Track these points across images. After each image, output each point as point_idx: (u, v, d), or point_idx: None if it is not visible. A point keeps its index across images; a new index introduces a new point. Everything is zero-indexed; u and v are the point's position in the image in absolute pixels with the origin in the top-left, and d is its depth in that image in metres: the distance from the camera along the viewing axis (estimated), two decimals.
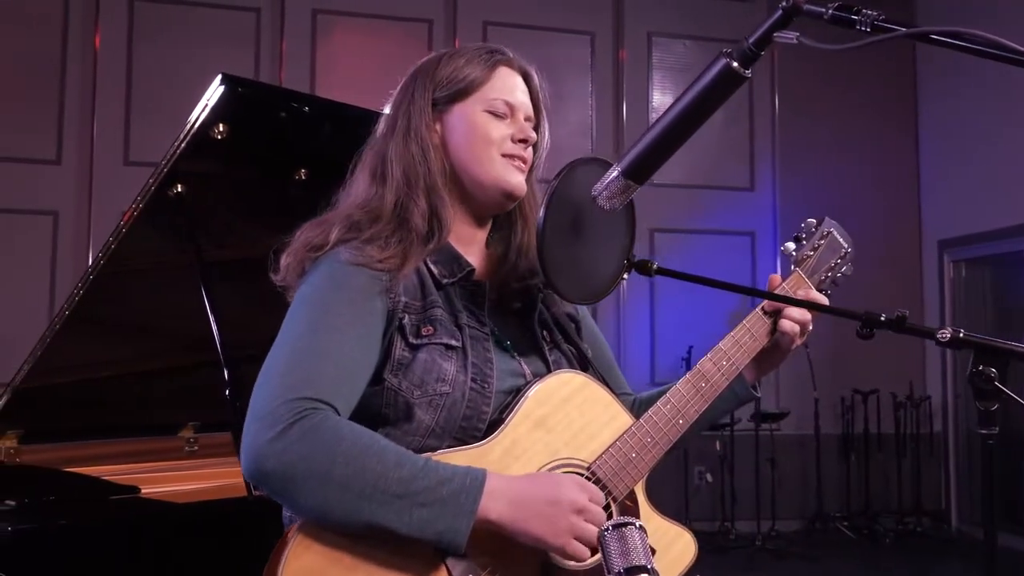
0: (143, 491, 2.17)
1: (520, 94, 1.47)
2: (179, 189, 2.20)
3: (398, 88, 1.49)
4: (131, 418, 2.77)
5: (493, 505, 1.20)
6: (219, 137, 2.09)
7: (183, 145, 2.08)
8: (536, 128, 1.49)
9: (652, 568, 1.12)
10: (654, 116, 7.01)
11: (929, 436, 6.96)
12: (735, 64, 1.07)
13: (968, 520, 6.85)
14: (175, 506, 1.93)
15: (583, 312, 1.60)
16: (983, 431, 1.15)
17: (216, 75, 2.04)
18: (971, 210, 6.84)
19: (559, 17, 6.81)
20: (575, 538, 1.23)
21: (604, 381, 1.45)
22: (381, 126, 1.48)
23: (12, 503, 1.84)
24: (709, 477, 6.71)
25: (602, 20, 6.97)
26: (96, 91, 6.05)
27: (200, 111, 2.04)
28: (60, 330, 2.38)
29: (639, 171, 1.17)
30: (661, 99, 6.97)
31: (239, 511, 1.97)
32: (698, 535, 5.70)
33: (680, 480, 6.54)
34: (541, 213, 1.31)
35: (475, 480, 1.20)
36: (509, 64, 1.47)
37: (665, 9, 6.97)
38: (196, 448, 2.91)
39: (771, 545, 6.11)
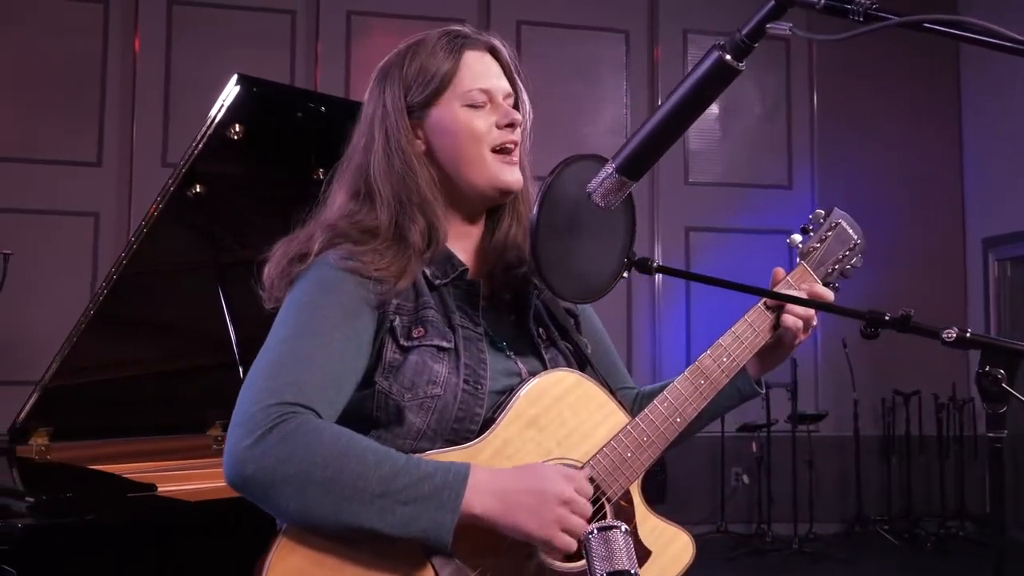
0: (167, 488, 2.20)
1: (494, 78, 1.42)
2: (198, 189, 2.22)
3: (367, 93, 1.44)
4: (158, 416, 2.80)
5: (477, 499, 1.18)
6: (235, 137, 2.11)
7: (200, 146, 2.10)
8: (516, 103, 1.45)
9: (636, 573, 1.10)
10: None
11: (973, 439, 6.80)
12: (728, 57, 1.05)
13: (1014, 524, 6.69)
14: (187, 504, 1.94)
15: (583, 308, 1.57)
16: (991, 434, 1.12)
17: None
18: (1017, 206, 6.67)
19: (594, 15, 6.77)
20: (562, 530, 1.21)
21: (601, 378, 1.42)
22: (357, 138, 1.43)
23: (31, 499, 1.86)
24: (745, 479, 6.62)
25: (637, 18, 6.92)
26: (135, 94, 6.14)
27: (216, 111, 2.06)
28: (86, 329, 2.41)
29: (633, 168, 1.15)
30: None
31: (254, 509, 1.98)
32: (734, 537, 5.66)
33: (716, 482, 6.47)
34: (534, 211, 1.28)
35: (458, 475, 1.19)
36: (475, 46, 1.42)
37: (700, 6, 6.90)
38: (223, 446, 2.93)
39: (808, 548, 6.02)
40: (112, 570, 1.73)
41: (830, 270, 1.55)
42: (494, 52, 1.45)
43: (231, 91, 2.04)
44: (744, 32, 1.04)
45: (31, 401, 2.55)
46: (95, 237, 6.06)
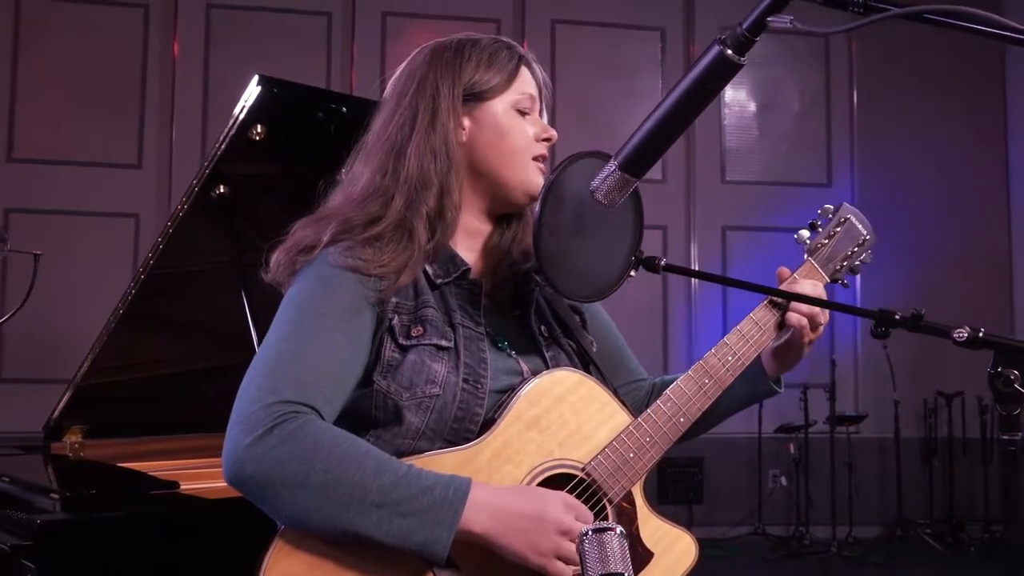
0: (190, 486, 2.22)
1: (535, 88, 1.46)
2: (222, 190, 2.24)
3: (407, 74, 1.43)
4: (186, 415, 2.83)
5: (475, 517, 1.17)
6: (257, 138, 2.12)
7: (223, 146, 2.12)
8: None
9: None
10: (727, 113, 6.92)
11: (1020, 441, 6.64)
12: (729, 51, 1.03)
13: None
14: (208, 502, 1.95)
15: (589, 304, 1.56)
16: (1005, 436, 1.09)
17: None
18: None
19: (628, 13, 6.73)
20: (557, 558, 1.20)
21: (604, 377, 1.41)
22: (390, 114, 1.41)
23: (56, 496, 1.89)
24: (784, 481, 6.54)
25: (672, 15, 6.87)
26: (174, 97, 6.23)
27: (238, 112, 2.08)
28: (115, 329, 2.45)
29: (636, 165, 1.13)
30: (734, 95, 6.83)
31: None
32: (772, 540, 5.58)
33: (753, 483, 6.40)
34: (537, 208, 1.28)
35: (458, 491, 1.17)
36: (528, 63, 1.46)
37: (737, 3, 6.80)
38: None
39: (848, 552, 5.93)
40: (131, 566, 1.75)
41: (838, 266, 1.52)
42: (530, 67, 1.48)
43: (252, 92, 2.05)
44: (745, 26, 1.02)
45: (64, 399, 2.59)
46: (135, 237, 6.16)
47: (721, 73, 1.05)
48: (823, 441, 6.31)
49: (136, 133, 6.21)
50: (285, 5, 6.35)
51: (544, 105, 1.49)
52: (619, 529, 1.13)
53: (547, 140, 1.44)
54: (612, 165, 1.15)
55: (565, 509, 1.21)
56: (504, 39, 1.47)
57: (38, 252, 2.26)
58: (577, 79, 6.41)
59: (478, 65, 1.41)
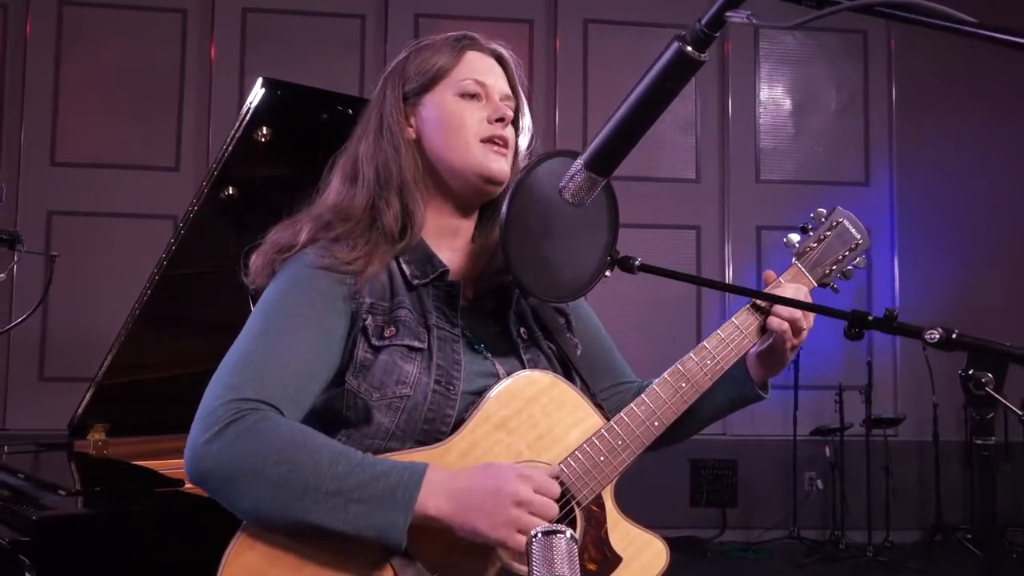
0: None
1: (492, 76, 1.43)
2: (231, 191, 2.26)
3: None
4: None
5: (432, 499, 1.16)
6: (263, 140, 2.14)
7: (230, 148, 2.14)
8: (516, 111, 1.45)
9: None
10: (761, 112, 6.84)
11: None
12: (688, 48, 1.02)
13: None
14: (210, 500, 1.98)
15: (575, 306, 1.54)
16: (979, 440, 1.06)
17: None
18: None
19: (661, 12, 6.67)
20: (518, 531, 1.17)
21: (583, 380, 1.39)
22: (358, 129, 1.46)
23: (63, 492, 1.92)
24: (819, 484, 6.44)
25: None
26: (211, 100, 6.32)
27: (244, 114, 2.10)
28: (132, 328, 2.49)
29: (601, 163, 1.12)
30: (769, 93, 6.74)
31: None
32: (807, 544, 5.49)
33: (788, 486, 6.31)
34: (503, 208, 1.27)
35: (414, 474, 1.17)
36: (479, 48, 1.44)
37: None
38: None
39: (884, 556, 5.81)
40: (132, 563, 1.77)
41: (827, 270, 1.49)
42: (501, 61, 1.47)
43: (256, 94, 2.08)
44: (704, 22, 1.01)
45: (86, 397, 2.64)
46: None
47: (681, 70, 1.03)
48: (859, 444, 6.20)
49: (174, 136, 6.32)
50: (319, 8, 6.41)
51: (520, 95, 1.46)
52: (569, 532, 1.12)
53: (500, 121, 1.40)
54: (578, 164, 1.14)
55: (520, 480, 1.20)
56: (465, 33, 1.47)
57: (55, 253, 2.31)
58: (610, 78, 6.37)
59: (420, 61, 1.42)
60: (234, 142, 2.13)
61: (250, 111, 2.08)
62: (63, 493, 1.92)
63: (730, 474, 6.36)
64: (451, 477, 1.20)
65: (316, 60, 6.11)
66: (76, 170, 6.15)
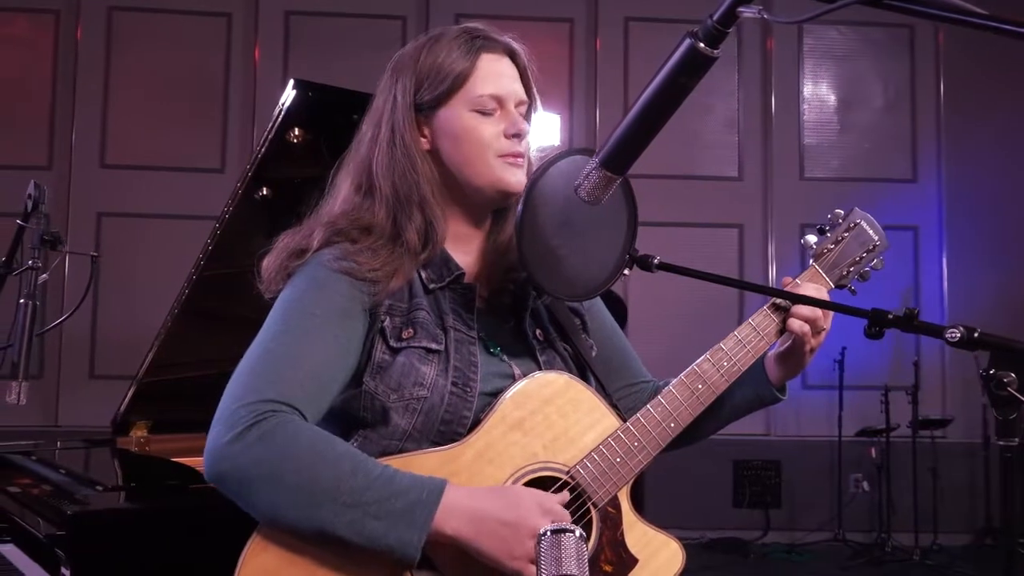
0: None
1: (507, 80, 1.39)
2: (264, 192, 2.29)
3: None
4: None
5: (449, 520, 1.16)
6: (295, 141, 2.17)
7: (263, 150, 2.17)
8: (529, 109, 1.42)
9: None
10: (805, 108, 6.74)
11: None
12: (701, 44, 1.01)
13: None
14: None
15: (590, 306, 1.53)
16: (1001, 442, 1.04)
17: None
18: None
19: (703, 8, 6.54)
20: (532, 563, 1.17)
21: (599, 381, 1.38)
22: (364, 129, 1.42)
23: (100, 488, 1.96)
24: (866, 486, 6.34)
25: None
26: (256, 103, 6.41)
27: (276, 116, 2.13)
28: (172, 327, 2.54)
29: (616, 162, 1.11)
30: (813, 89, 6.65)
31: None
32: (852, 546, 5.40)
33: (833, 488, 6.22)
34: (519, 208, 1.26)
35: (431, 493, 1.16)
36: (493, 48, 1.39)
37: None
38: None
39: (932, 560, 5.71)
40: (164, 558, 1.80)
41: (845, 272, 1.47)
42: (512, 56, 1.42)
43: (288, 96, 2.10)
44: (715, 17, 1.01)
45: (128, 395, 2.70)
46: None
47: (694, 67, 1.03)
48: (906, 445, 6.09)
49: (219, 138, 6.42)
50: (361, 10, 6.47)
51: (532, 90, 1.43)
52: (578, 531, 1.12)
53: (516, 136, 1.37)
54: (593, 162, 1.14)
55: (541, 513, 1.19)
56: (473, 26, 1.42)
57: (95, 254, 2.36)
58: (652, 76, 6.32)
59: (432, 64, 1.37)
60: (267, 143, 2.16)
61: (282, 113, 2.11)
62: (100, 489, 1.97)
63: (774, 475, 6.29)
64: (470, 496, 1.19)
65: (358, 61, 6.15)
66: (125, 172, 6.28)
